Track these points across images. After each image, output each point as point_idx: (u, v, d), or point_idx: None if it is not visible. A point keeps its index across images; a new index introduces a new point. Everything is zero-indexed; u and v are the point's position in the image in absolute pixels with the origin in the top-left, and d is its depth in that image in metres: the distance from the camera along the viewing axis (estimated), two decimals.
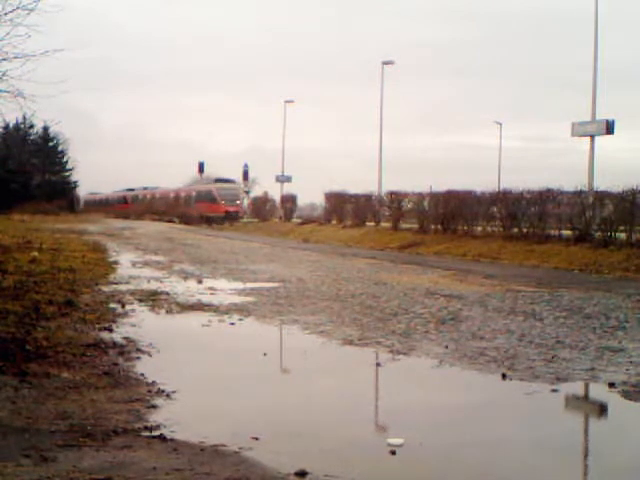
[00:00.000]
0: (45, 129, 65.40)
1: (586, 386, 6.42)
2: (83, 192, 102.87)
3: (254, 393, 5.97)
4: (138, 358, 6.86)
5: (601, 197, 21.90)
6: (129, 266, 16.91)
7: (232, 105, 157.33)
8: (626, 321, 9.78)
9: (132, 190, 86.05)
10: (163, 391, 5.69)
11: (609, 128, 23.91)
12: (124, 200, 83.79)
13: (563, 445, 4.89)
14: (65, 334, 7.55)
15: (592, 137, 24.32)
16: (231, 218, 54.61)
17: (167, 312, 9.86)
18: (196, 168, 67.62)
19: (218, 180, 61.90)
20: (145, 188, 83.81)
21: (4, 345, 6.64)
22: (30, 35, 12.72)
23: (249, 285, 13.37)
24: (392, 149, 65.64)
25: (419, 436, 4.85)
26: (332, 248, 27.66)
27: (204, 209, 58.50)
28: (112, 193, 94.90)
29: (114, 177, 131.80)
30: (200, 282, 13.72)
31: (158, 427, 4.80)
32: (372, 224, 34.01)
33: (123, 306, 10.04)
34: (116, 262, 17.75)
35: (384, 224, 32.86)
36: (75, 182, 72.91)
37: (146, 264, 17.75)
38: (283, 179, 52.47)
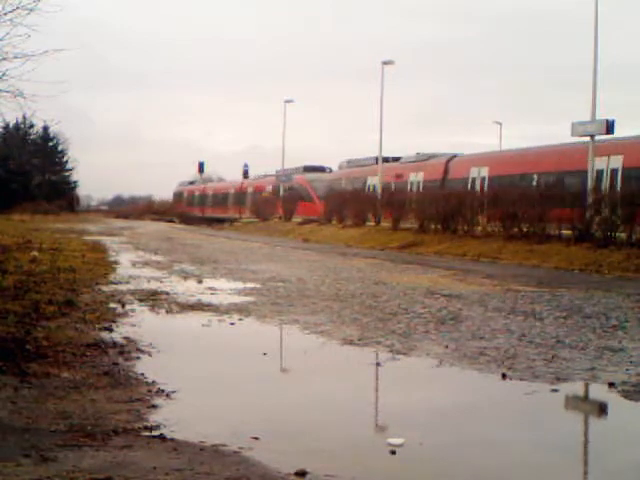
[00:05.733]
0: (45, 129, 65.53)
1: (586, 386, 6.42)
2: (177, 182, 76.53)
3: (254, 393, 5.97)
4: (138, 358, 6.86)
5: (601, 197, 21.89)
6: (129, 266, 16.91)
7: (232, 105, 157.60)
8: (626, 321, 9.77)
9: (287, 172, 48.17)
10: (163, 391, 5.69)
11: (609, 128, 23.79)
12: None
13: (563, 445, 4.89)
14: (65, 334, 7.55)
15: (592, 137, 24.24)
16: None
17: (167, 312, 9.86)
18: (196, 168, 67.42)
19: None
20: (354, 163, 43.17)
21: (4, 345, 6.63)
22: (30, 35, 12.73)
23: (249, 285, 13.36)
24: (392, 148, 65.47)
25: (419, 436, 4.85)
26: (332, 248, 27.65)
27: None
28: (236, 182, 60.63)
29: (114, 177, 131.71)
30: (200, 282, 13.72)
31: (158, 427, 4.80)
32: (372, 224, 33.99)
33: (123, 306, 10.03)
34: (116, 262, 17.76)
35: (384, 224, 32.83)
36: (75, 182, 73.08)
37: (146, 264, 17.75)
38: (284, 179, 52.40)
